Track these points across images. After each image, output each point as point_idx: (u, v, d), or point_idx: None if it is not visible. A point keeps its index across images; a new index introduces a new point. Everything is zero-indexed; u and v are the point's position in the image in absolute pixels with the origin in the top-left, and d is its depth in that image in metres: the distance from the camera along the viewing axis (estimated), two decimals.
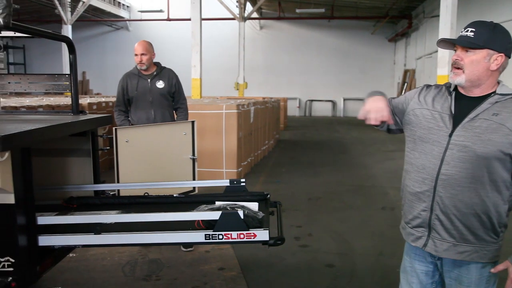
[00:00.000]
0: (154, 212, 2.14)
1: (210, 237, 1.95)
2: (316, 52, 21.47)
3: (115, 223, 2.14)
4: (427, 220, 1.73)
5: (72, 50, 2.78)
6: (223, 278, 3.31)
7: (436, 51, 11.20)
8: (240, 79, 16.78)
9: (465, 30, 1.66)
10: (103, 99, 9.33)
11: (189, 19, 11.49)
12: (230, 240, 1.96)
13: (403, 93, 2.26)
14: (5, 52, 3.30)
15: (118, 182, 3.28)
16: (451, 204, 1.66)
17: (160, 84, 4.11)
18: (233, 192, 2.58)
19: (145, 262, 3.54)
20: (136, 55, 4.03)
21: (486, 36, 1.61)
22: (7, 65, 15.32)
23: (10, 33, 2.58)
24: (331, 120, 19.55)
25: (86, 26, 21.49)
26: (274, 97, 13.02)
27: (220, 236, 1.95)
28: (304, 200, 5.65)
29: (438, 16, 9.18)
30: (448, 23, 8.55)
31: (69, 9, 16.44)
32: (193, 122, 3.77)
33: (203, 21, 11.33)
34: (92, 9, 18.50)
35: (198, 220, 2.09)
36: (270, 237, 1.97)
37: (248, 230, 1.96)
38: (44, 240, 1.98)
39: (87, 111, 3.24)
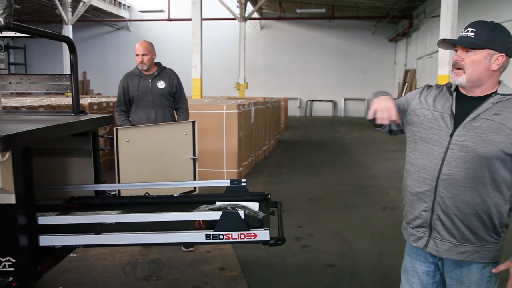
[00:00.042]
0: (155, 212, 2.14)
1: (211, 237, 1.95)
2: (317, 52, 21.46)
3: (116, 223, 2.14)
4: (428, 220, 1.73)
5: (72, 50, 2.78)
6: (223, 278, 3.31)
7: (437, 51, 11.19)
8: (241, 79, 16.78)
9: (466, 30, 1.66)
10: (104, 99, 9.33)
11: (190, 19, 11.51)
12: (231, 240, 1.96)
13: (403, 93, 2.26)
14: (6, 52, 3.31)
15: (118, 182, 3.28)
16: (452, 204, 1.66)
17: (161, 84, 4.11)
18: (234, 192, 2.58)
19: (145, 262, 3.54)
20: (137, 55, 4.03)
21: (487, 36, 1.61)
22: (8, 65, 15.29)
23: (11, 33, 2.59)
24: (332, 120, 19.54)
25: (87, 26, 21.50)
26: (274, 97, 13.01)
27: (221, 236, 1.95)
28: (305, 200, 5.65)
29: (438, 16, 9.18)
30: (448, 23, 8.55)
31: (69, 9, 16.45)
32: (193, 122, 3.77)
33: (203, 21, 11.33)
34: (92, 9, 18.51)
35: (199, 220, 2.09)
36: (270, 237, 1.96)
37: (248, 230, 1.96)
38: (45, 240, 1.98)
39: (87, 111, 3.23)
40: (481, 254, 1.67)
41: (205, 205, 2.30)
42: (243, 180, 2.64)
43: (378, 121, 1.67)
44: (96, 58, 22.12)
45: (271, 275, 3.42)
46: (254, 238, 1.95)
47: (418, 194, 1.75)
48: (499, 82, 1.69)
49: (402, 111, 1.85)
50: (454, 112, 1.70)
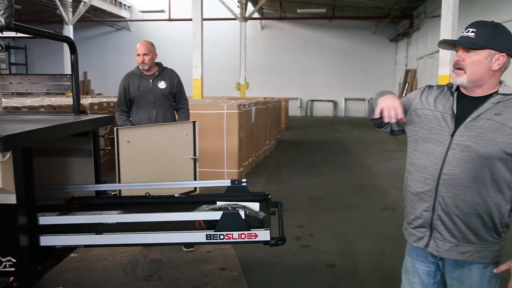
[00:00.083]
0: (155, 212, 2.15)
1: (212, 237, 1.96)
2: (317, 52, 21.46)
3: (117, 223, 2.14)
4: (429, 220, 1.73)
5: (73, 50, 2.79)
6: (224, 278, 3.31)
7: (438, 51, 11.19)
8: (241, 79, 16.78)
9: (466, 31, 1.65)
10: (105, 99, 9.33)
11: (191, 19, 11.51)
12: (231, 240, 1.96)
13: (404, 94, 2.25)
14: (6, 52, 3.31)
15: (119, 182, 3.29)
16: (453, 204, 1.66)
17: (162, 85, 4.11)
18: (234, 192, 2.58)
19: (146, 262, 3.54)
20: (138, 55, 4.03)
21: (487, 36, 1.61)
22: (9, 65, 15.35)
23: (12, 34, 2.59)
24: (332, 120, 19.54)
25: (88, 27, 21.51)
26: (275, 97, 13.01)
27: (221, 236, 1.95)
28: (305, 200, 5.64)
29: (439, 16, 9.17)
30: (449, 23, 8.54)
31: (70, 9, 16.45)
32: (194, 122, 3.77)
33: (204, 21, 11.33)
34: (93, 9, 18.52)
35: (199, 220, 2.09)
36: (271, 237, 1.97)
37: (249, 230, 1.96)
38: (46, 240, 1.99)
39: (88, 111, 3.24)
40: (482, 254, 1.67)
41: (206, 205, 2.30)
42: (244, 180, 2.65)
43: (386, 120, 1.67)
44: (96, 58, 22.13)
45: (272, 275, 3.42)
46: (254, 238, 1.95)
47: (419, 194, 1.75)
48: (500, 82, 1.69)
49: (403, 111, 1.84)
50: (455, 112, 1.69)
